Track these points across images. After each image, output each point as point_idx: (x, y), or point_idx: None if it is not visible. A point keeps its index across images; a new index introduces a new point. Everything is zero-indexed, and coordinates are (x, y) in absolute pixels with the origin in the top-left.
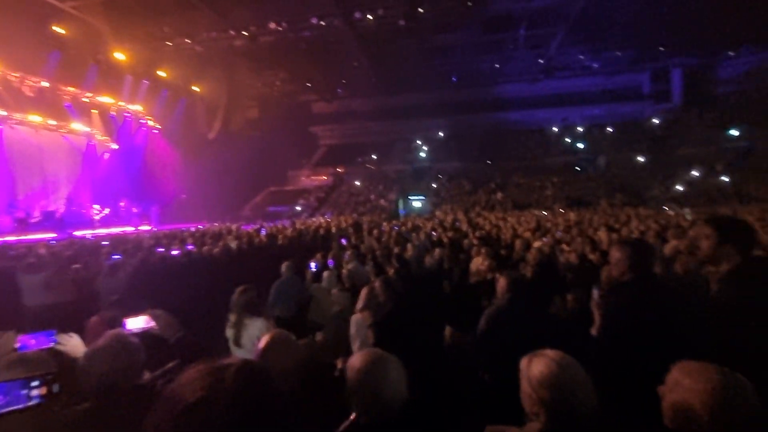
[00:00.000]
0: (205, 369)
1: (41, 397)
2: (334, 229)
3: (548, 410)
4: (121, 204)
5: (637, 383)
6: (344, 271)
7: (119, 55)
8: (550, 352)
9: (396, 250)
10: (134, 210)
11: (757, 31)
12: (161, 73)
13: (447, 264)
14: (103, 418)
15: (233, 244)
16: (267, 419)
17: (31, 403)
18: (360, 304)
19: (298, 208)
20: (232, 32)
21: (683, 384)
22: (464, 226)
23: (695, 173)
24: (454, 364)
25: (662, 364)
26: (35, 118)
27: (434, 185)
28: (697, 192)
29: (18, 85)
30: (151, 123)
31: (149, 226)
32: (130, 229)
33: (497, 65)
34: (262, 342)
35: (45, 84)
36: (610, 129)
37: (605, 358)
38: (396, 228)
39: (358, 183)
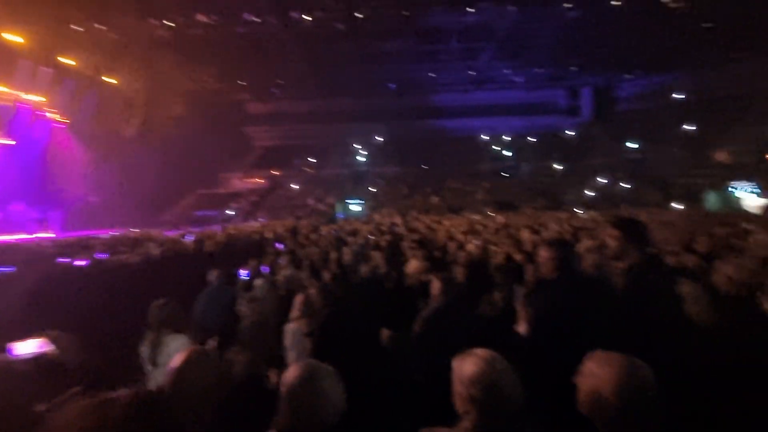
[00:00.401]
0: (93, 402)
1: None
2: (269, 234)
3: (478, 408)
4: (15, 208)
5: (565, 376)
6: (280, 277)
7: (12, 37)
8: (479, 351)
9: (333, 254)
10: (32, 215)
11: (646, 58)
12: (67, 61)
13: (384, 267)
14: None
15: (155, 251)
16: None
17: None
18: (295, 312)
19: (231, 212)
20: (153, 21)
21: (595, 373)
22: (401, 230)
23: (602, 180)
24: (390, 368)
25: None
26: None
27: (372, 189)
28: (603, 197)
29: None
30: (54, 116)
31: (50, 233)
32: (26, 236)
33: (432, 74)
34: (175, 361)
35: None
36: (532, 139)
37: (536, 353)
38: (334, 232)
39: (295, 186)
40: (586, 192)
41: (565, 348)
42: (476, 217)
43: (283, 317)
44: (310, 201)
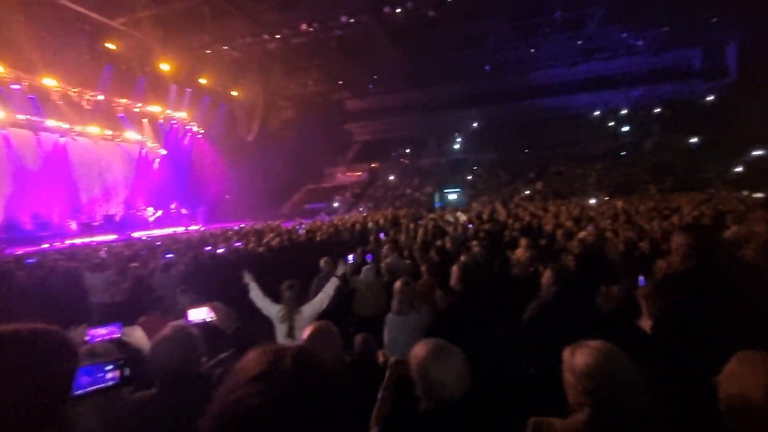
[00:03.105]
0: (266, 350)
1: (117, 378)
2: (370, 224)
3: (593, 401)
4: (172, 206)
5: (695, 374)
6: (383, 264)
7: (164, 66)
8: (593, 343)
9: (436, 242)
10: (184, 211)
11: None
12: (202, 81)
13: (485, 256)
14: (166, 404)
15: (275, 242)
16: (321, 397)
17: (109, 384)
18: (397, 299)
19: (335, 204)
20: (265, 36)
21: (743, 375)
22: (503, 217)
23: (756, 152)
24: (499, 357)
25: (721, 354)
26: (93, 129)
27: (470, 177)
28: (758, 173)
29: (77, 100)
30: (195, 128)
31: (198, 225)
32: (180, 229)
33: (532, 50)
34: (306, 332)
35: (100, 97)
36: (657, 110)
37: (662, 349)
38: (433, 221)
39: (392, 178)
40: (733, 168)
41: (696, 347)
42: (590, 202)
43: (387, 302)
44: (408, 191)
